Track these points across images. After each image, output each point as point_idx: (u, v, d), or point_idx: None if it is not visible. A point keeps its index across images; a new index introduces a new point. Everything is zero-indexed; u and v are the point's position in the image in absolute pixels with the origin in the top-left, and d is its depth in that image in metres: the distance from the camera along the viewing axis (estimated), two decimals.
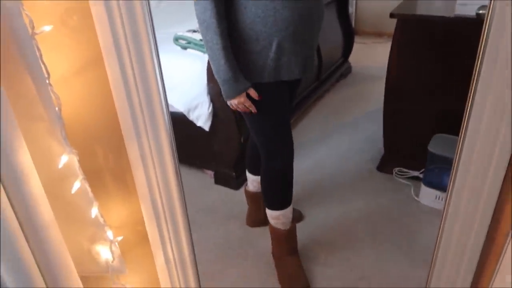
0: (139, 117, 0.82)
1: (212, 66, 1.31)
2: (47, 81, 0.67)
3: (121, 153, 0.85)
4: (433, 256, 1.00)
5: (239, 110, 1.39)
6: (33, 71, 0.65)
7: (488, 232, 0.89)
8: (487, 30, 0.72)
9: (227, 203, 2.15)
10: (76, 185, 0.75)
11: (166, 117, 0.84)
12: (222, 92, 1.35)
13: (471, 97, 0.78)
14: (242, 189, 2.00)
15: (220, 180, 2.29)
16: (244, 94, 1.33)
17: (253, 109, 1.37)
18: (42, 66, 0.66)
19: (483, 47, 0.73)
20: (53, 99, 0.69)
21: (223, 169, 2.25)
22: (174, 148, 0.90)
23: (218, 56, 1.26)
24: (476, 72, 0.75)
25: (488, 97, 0.74)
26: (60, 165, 0.71)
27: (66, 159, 0.72)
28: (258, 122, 1.47)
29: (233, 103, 1.35)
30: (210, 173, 2.33)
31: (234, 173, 2.22)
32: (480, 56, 0.73)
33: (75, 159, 0.74)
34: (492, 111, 0.77)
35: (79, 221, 0.84)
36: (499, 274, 0.88)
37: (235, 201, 2.14)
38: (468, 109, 0.80)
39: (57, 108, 0.70)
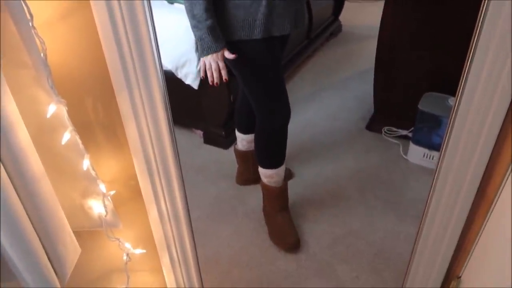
0: (130, 66, 0.78)
1: (190, 19, 1.28)
2: (31, 24, 0.62)
3: (112, 105, 0.82)
4: (424, 210, 1.01)
5: (207, 73, 1.37)
6: (15, 13, 0.60)
7: (479, 185, 0.90)
8: None
9: (217, 162, 2.15)
10: (66, 136, 0.72)
11: (158, 67, 0.80)
12: (200, 47, 1.32)
13: (473, 42, 0.76)
14: (231, 148, 2.00)
15: (209, 139, 2.27)
16: (221, 53, 1.31)
17: (224, 74, 1.36)
18: (25, 7, 0.61)
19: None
20: (38, 45, 0.65)
21: (212, 128, 2.23)
22: (167, 99, 0.87)
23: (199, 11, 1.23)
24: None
25: (492, 41, 0.73)
26: (48, 115, 0.68)
27: (54, 108, 0.68)
28: (253, 80, 1.44)
29: (209, 60, 1.33)
30: (200, 132, 2.31)
31: (223, 132, 2.20)
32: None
33: (63, 109, 0.71)
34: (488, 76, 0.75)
35: (70, 175, 0.82)
36: (486, 227, 0.90)
37: (225, 160, 2.14)
38: (468, 65, 0.78)
39: (42, 54, 0.66)
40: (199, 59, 1.99)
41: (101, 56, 0.75)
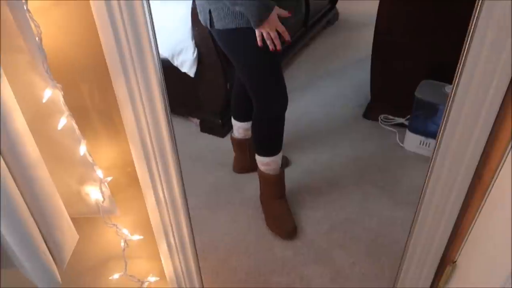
0: (126, 51, 0.77)
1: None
2: (25, 7, 0.62)
3: (108, 91, 0.82)
4: (420, 195, 1.02)
5: (271, 38, 1.29)
6: None
7: (475, 170, 0.91)
8: None
9: (213, 150, 2.15)
10: (62, 121, 0.71)
11: (154, 51, 0.80)
12: (252, 17, 1.23)
13: (471, 29, 0.76)
14: (228, 137, 2.00)
15: (206, 128, 2.27)
16: (274, 15, 1.24)
17: (286, 35, 1.29)
18: None
19: None
20: (33, 29, 0.64)
21: (209, 116, 2.23)
22: (163, 85, 0.86)
23: None
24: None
25: (489, 28, 0.72)
26: (44, 100, 0.67)
27: (50, 93, 0.68)
28: (251, 68, 1.43)
29: (266, 26, 1.25)
30: (196, 121, 2.30)
31: (220, 121, 2.20)
32: None
33: (59, 94, 0.70)
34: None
35: (67, 161, 0.82)
36: (482, 212, 0.91)
37: (222, 148, 2.14)
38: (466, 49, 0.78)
39: (37, 39, 0.65)
40: (195, 47, 1.97)
41: (97, 40, 0.74)
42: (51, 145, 0.77)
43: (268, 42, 1.28)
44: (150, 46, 0.79)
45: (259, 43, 1.29)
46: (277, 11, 1.24)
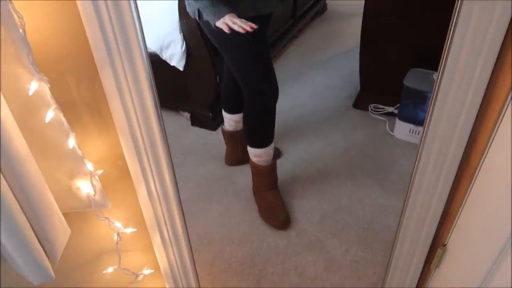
0: (112, 43, 0.77)
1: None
2: None
3: (96, 83, 0.81)
4: (410, 181, 1.03)
5: (235, 29, 1.28)
6: None
7: (463, 154, 0.92)
8: None
9: (205, 144, 2.15)
10: (50, 114, 0.71)
11: (141, 41, 0.79)
12: (210, 18, 1.27)
13: (454, 16, 0.77)
14: (219, 130, 1.99)
15: (196, 121, 2.26)
16: (233, 15, 1.26)
17: (247, 26, 1.25)
18: None
19: None
20: (16, 20, 0.63)
21: (199, 110, 2.22)
22: (152, 77, 0.86)
23: None
24: None
25: (472, 15, 0.73)
26: (31, 93, 0.67)
27: (36, 86, 0.67)
28: (241, 59, 1.43)
29: (226, 22, 1.26)
30: (186, 114, 2.30)
31: (210, 114, 2.19)
32: None
33: (46, 87, 0.69)
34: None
35: (56, 155, 0.81)
36: (470, 195, 0.92)
37: (213, 142, 2.14)
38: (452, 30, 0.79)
39: (21, 30, 0.64)
40: (183, 40, 1.96)
41: (82, 32, 0.73)
42: (39, 139, 0.76)
43: (236, 28, 1.26)
44: (137, 37, 0.79)
45: (227, 30, 1.27)
46: (233, 17, 1.25)
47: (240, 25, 1.25)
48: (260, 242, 1.62)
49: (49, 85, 0.70)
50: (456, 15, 0.76)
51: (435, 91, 0.88)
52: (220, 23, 1.27)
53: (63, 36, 0.74)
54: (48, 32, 0.73)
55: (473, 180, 0.90)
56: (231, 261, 1.56)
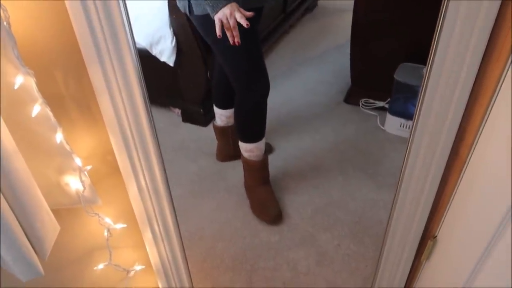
0: (100, 37, 0.76)
1: None
2: None
3: (84, 78, 0.80)
4: (400, 174, 1.04)
5: (230, 25, 1.23)
6: None
7: (452, 147, 0.93)
8: None
9: (196, 140, 2.14)
10: (36, 108, 0.70)
11: (129, 36, 0.78)
12: (209, 8, 1.22)
13: (442, 10, 0.77)
14: (210, 126, 1.99)
15: (187, 117, 2.25)
16: (232, 9, 1.20)
17: (243, 21, 1.21)
18: None
19: None
20: (0, 12, 0.62)
21: (190, 106, 2.21)
22: (141, 72, 0.85)
23: None
24: None
25: (460, 9, 0.73)
26: (16, 86, 0.66)
27: (21, 80, 0.66)
28: (232, 54, 1.42)
29: (226, 14, 1.21)
30: (177, 111, 2.29)
31: (201, 110, 2.18)
32: None
33: (32, 81, 0.68)
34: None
35: (43, 151, 0.80)
36: (460, 187, 0.93)
37: (204, 138, 2.13)
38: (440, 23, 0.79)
39: (5, 23, 0.63)
40: (173, 35, 1.95)
41: (69, 26, 0.72)
42: (26, 134, 0.75)
43: (228, 34, 1.25)
44: (125, 32, 0.78)
45: (218, 32, 1.24)
46: (236, 7, 1.21)
47: (237, 20, 1.22)
48: (252, 237, 1.62)
49: (35, 80, 0.69)
50: (443, 10, 0.76)
51: (424, 86, 0.88)
52: (221, 15, 1.22)
53: (49, 29, 0.73)
54: (33, 25, 0.72)
55: (463, 172, 0.91)
56: (223, 256, 1.56)
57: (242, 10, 1.22)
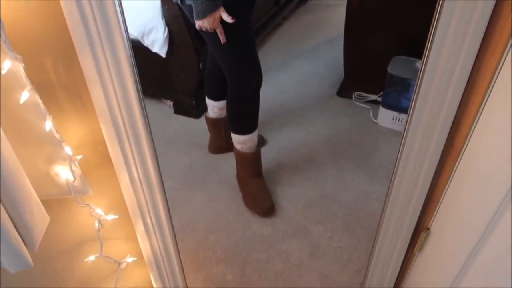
0: (91, 21, 0.74)
1: None
2: None
3: (74, 65, 0.78)
4: (394, 166, 1.03)
5: (207, 31, 1.30)
6: None
7: (447, 139, 0.93)
8: None
9: (188, 132, 2.12)
10: (24, 95, 0.68)
11: (122, 26, 0.76)
12: (194, 12, 1.25)
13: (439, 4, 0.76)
14: (203, 118, 1.97)
15: (179, 109, 2.23)
16: (218, 14, 1.25)
17: (222, 37, 1.30)
18: None
19: None
20: None
21: (182, 98, 2.19)
22: (133, 59, 0.83)
23: None
24: None
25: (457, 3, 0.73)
26: (3, 72, 0.63)
27: (9, 64, 0.64)
28: (225, 47, 1.40)
29: (206, 23, 1.26)
30: (169, 102, 2.26)
31: (194, 102, 2.16)
32: None
33: (20, 66, 0.66)
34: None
35: (32, 139, 0.78)
36: (454, 179, 0.93)
37: (197, 130, 2.11)
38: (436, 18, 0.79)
39: None
40: (166, 25, 1.92)
41: (59, 10, 0.70)
42: (14, 122, 0.73)
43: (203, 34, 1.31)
44: (118, 19, 0.76)
45: (198, 28, 1.30)
46: (220, 12, 1.25)
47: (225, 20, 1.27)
48: (244, 229, 1.62)
49: (23, 65, 0.67)
50: (440, 3, 0.76)
51: (419, 79, 0.88)
52: (200, 23, 1.28)
53: (38, 13, 0.71)
54: (21, 9, 0.69)
55: (457, 164, 0.91)
56: (215, 248, 1.55)
57: (225, 15, 1.26)
